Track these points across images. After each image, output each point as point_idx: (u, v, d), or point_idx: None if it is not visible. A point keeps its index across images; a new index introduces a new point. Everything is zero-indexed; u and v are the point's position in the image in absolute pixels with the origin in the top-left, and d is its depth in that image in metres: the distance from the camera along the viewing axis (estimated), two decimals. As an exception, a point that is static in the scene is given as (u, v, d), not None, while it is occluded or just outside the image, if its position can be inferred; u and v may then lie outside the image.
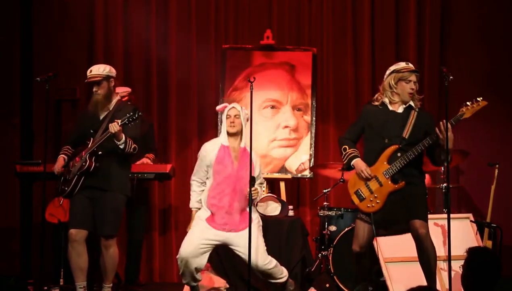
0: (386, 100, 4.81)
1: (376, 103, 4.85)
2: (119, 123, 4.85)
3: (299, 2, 7.24)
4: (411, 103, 4.80)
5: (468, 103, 4.74)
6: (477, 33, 7.12)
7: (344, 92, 7.17)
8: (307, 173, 6.70)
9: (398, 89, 4.77)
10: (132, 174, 5.98)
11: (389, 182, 4.69)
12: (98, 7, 6.99)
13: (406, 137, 4.70)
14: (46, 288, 5.61)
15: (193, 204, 5.11)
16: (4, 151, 6.60)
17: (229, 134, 5.03)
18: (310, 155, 6.72)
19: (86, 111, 5.25)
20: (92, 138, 5.03)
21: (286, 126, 6.77)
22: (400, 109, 4.79)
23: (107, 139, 4.91)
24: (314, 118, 6.79)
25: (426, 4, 7.15)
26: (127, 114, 4.88)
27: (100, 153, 4.97)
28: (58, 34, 6.96)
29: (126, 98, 6.02)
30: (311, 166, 6.65)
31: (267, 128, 6.78)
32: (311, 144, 6.74)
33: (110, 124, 4.87)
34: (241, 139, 5.02)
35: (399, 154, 4.68)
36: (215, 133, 6.83)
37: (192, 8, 7.12)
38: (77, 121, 5.33)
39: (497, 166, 6.09)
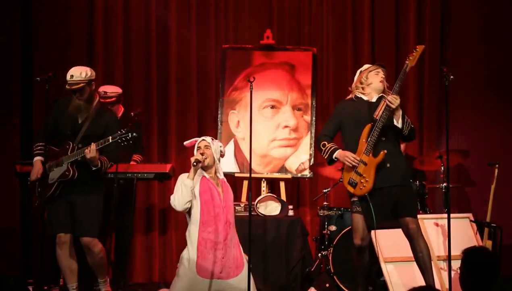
0: (360, 94, 4.94)
1: (350, 97, 5.01)
2: (110, 140, 4.76)
3: (299, 2, 7.25)
4: (383, 94, 4.87)
5: (409, 55, 4.82)
6: (477, 33, 7.14)
7: (344, 92, 7.09)
8: (307, 173, 6.70)
9: (369, 80, 4.91)
10: (132, 174, 6.00)
11: (372, 157, 4.73)
12: (98, 7, 6.99)
13: (378, 118, 4.73)
14: (46, 288, 5.61)
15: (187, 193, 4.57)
16: (4, 151, 6.60)
17: (202, 168, 4.73)
18: (310, 155, 6.72)
19: (62, 108, 5.09)
20: (71, 143, 4.95)
21: (286, 126, 6.77)
22: (374, 99, 4.89)
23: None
24: (314, 118, 6.79)
25: (426, 4, 7.16)
26: (119, 132, 4.78)
27: (79, 158, 4.89)
28: (58, 34, 6.96)
29: (113, 99, 6.00)
30: (311, 165, 6.64)
31: (267, 128, 6.78)
32: (311, 144, 6.74)
33: (87, 150, 4.78)
34: (215, 171, 4.77)
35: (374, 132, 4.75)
36: (215, 134, 6.83)
37: (192, 8, 7.13)
38: (52, 117, 5.10)
39: (497, 165, 6.10)
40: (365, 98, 4.91)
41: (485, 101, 6.95)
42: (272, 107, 6.82)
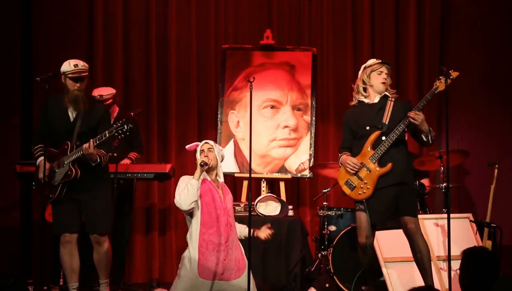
0: (361, 97, 4.93)
1: (353, 103, 4.99)
2: (107, 134, 4.79)
3: (299, 2, 7.25)
4: (387, 93, 4.88)
5: (440, 77, 4.77)
6: (477, 33, 7.13)
7: (344, 92, 7.15)
8: (306, 173, 6.70)
9: (371, 81, 4.88)
10: (132, 174, 6.00)
11: (377, 167, 4.74)
12: (98, 8, 6.99)
13: (386, 122, 4.76)
14: (46, 288, 5.61)
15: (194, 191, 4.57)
16: (4, 151, 6.60)
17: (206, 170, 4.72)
18: (310, 155, 6.71)
19: (52, 105, 5.04)
20: (69, 143, 4.96)
21: (286, 126, 6.77)
22: (376, 100, 4.89)
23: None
24: (314, 118, 6.79)
25: (426, 4, 7.16)
26: (115, 125, 4.82)
27: (80, 156, 4.90)
28: (58, 34, 6.96)
29: (110, 100, 6.05)
30: (310, 165, 6.64)
31: (267, 128, 6.78)
32: (310, 144, 6.74)
33: (85, 145, 4.80)
34: (217, 174, 4.78)
35: (383, 138, 4.75)
36: (215, 134, 6.83)
37: (192, 8, 7.12)
38: (44, 116, 5.08)
39: (497, 166, 6.09)
40: (366, 101, 4.91)
41: (485, 101, 6.95)
42: (272, 107, 6.82)
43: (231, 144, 6.75)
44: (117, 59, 6.95)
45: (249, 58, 6.96)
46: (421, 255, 4.69)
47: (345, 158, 4.86)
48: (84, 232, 5.08)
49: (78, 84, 4.98)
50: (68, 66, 5.00)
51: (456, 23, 7.20)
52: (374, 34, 7.21)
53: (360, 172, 4.78)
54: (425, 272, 4.70)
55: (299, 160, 6.73)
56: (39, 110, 6.56)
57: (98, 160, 4.91)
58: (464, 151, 6.30)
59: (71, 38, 6.98)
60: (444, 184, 5.84)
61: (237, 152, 6.76)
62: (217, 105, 6.91)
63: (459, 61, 6.99)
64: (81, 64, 5.03)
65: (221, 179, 4.80)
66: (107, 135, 4.82)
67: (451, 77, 4.69)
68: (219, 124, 6.80)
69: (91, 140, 4.82)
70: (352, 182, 4.81)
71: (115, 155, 5.65)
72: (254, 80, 4.71)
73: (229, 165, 6.60)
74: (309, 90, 6.85)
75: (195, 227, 4.61)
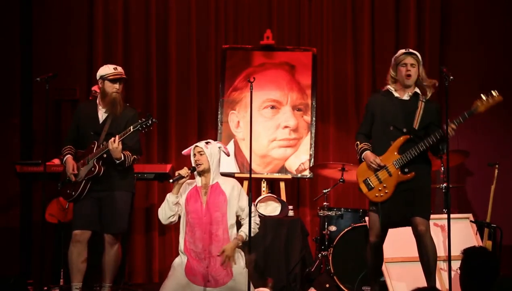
0: (391, 88, 4.82)
1: (383, 89, 4.88)
2: (131, 129, 4.84)
3: (299, 2, 7.25)
4: (417, 90, 4.77)
5: (483, 96, 4.70)
6: (477, 33, 7.14)
7: (344, 92, 7.17)
8: (307, 173, 6.70)
9: (398, 76, 4.78)
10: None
11: (399, 172, 4.68)
12: (98, 8, 6.99)
13: (416, 128, 4.69)
14: (46, 288, 5.61)
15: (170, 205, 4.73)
16: (4, 151, 6.60)
17: (198, 173, 4.77)
18: (310, 155, 6.71)
19: (83, 109, 5.21)
20: (96, 142, 5.00)
21: (286, 127, 6.77)
22: (405, 97, 4.78)
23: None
24: (314, 118, 6.79)
25: (426, 4, 7.16)
26: (140, 121, 4.86)
27: (105, 155, 4.95)
28: (58, 34, 6.96)
29: None
30: (311, 166, 6.64)
31: (267, 128, 6.78)
32: (311, 144, 6.74)
33: (110, 140, 4.84)
34: (210, 176, 4.76)
35: (409, 144, 4.68)
36: (215, 134, 6.83)
37: (192, 8, 7.12)
38: (76, 120, 5.23)
39: (497, 166, 6.09)
40: (395, 94, 4.79)
41: (485, 102, 6.93)
42: (272, 107, 6.82)
43: (231, 144, 6.75)
44: (117, 59, 6.93)
45: (249, 58, 6.96)
46: (427, 258, 4.66)
47: (370, 155, 4.72)
48: (99, 232, 5.08)
49: (117, 86, 5.04)
50: (107, 69, 5.07)
51: (456, 24, 7.20)
52: (374, 34, 7.21)
53: (380, 174, 4.71)
54: (430, 275, 4.67)
55: (299, 160, 6.73)
56: (39, 111, 6.65)
57: (123, 158, 4.92)
58: (464, 151, 6.29)
59: (71, 38, 6.99)
60: (444, 184, 5.84)
61: (237, 152, 6.76)
62: (217, 106, 6.91)
63: (459, 62, 7.00)
64: (119, 68, 5.12)
65: (213, 181, 4.76)
66: (132, 130, 4.85)
67: (494, 96, 4.71)
68: (219, 124, 6.80)
69: (117, 135, 4.85)
70: (371, 182, 4.74)
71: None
72: (254, 81, 4.72)
73: (229, 165, 6.59)
74: (309, 91, 6.85)
75: (181, 235, 4.76)
